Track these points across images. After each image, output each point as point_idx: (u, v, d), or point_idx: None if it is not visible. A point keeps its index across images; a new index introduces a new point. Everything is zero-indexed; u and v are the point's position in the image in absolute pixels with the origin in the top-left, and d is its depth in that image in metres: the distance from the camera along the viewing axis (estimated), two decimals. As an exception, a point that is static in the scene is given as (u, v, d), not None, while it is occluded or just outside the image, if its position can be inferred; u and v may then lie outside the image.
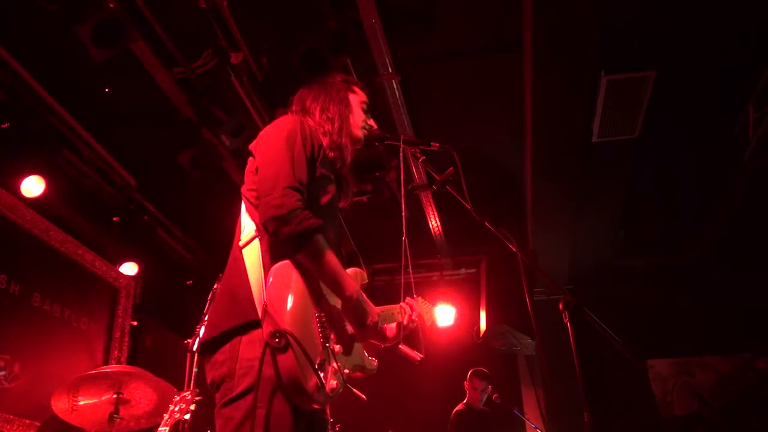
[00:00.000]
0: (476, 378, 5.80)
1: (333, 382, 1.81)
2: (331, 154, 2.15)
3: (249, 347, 1.78)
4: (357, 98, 2.36)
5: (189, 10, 3.98)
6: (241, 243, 1.96)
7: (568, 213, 6.15)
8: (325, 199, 2.08)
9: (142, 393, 3.59)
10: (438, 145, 2.33)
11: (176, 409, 3.29)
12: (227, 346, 1.82)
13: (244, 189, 2.09)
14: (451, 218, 6.51)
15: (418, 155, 2.40)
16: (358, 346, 2.07)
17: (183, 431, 3.52)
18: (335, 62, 4.13)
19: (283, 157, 1.94)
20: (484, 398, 5.75)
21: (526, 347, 6.44)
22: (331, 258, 1.90)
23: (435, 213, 6.39)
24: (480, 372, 5.83)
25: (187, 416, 3.36)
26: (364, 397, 1.97)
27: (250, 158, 2.12)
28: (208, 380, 1.87)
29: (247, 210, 2.03)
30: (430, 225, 6.59)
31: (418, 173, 5.62)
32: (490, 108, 5.18)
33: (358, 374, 2.07)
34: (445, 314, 7.06)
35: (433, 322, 2.46)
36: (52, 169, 4.87)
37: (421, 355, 2.38)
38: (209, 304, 3.67)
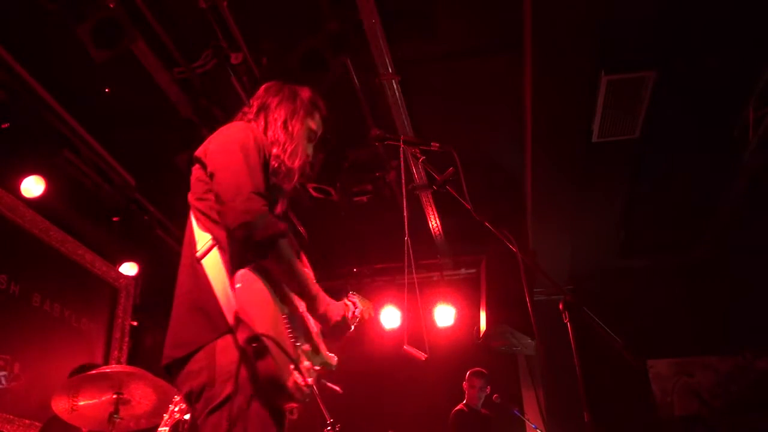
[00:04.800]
0: (474, 377, 5.82)
1: (309, 380, 1.84)
2: (275, 164, 2.11)
3: (225, 353, 1.77)
4: (313, 126, 2.30)
5: (189, 10, 3.98)
6: (198, 254, 1.92)
7: (568, 213, 6.15)
8: (278, 209, 2.09)
9: (142, 393, 3.58)
10: (438, 145, 2.33)
11: (176, 409, 3.29)
12: (201, 354, 1.80)
13: (192, 198, 2.04)
14: (451, 218, 6.51)
15: (418, 155, 2.40)
16: (320, 345, 2.10)
17: (183, 431, 3.52)
18: (335, 62, 4.13)
19: (240, 163, 1.90)
20: (483, 397, 5.76)
21: (526, 347, 6.44)
22: (296, 261, 1.94)
23: (435, 213, 6.39)
24: (478, 371, 5.86)
25: (187, 416, 3.36)
26: (340, 390, 2.01)
27: (197, 165, 2.07)
28: (185, 391, 1.84)
29: (198, 220, 1.98)
30: (430, 225, 6.59)
31: (418, 173, 5.62)
32: (490, 108, 5.18)
33: (321, 371, 2.09)
34: (445, 314, 7.06)
35: (371, 316, 2.47)
36: (52, 169, 4.87)
37: (426, 355, 2.40)
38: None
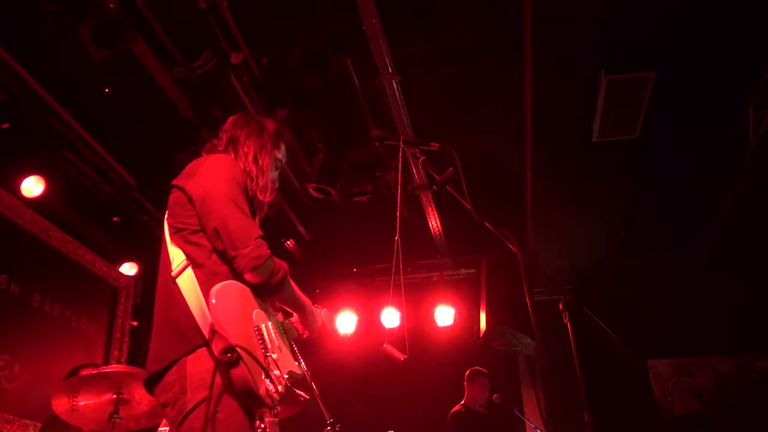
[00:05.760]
0: (481, 376, 5.79)
1: (279, 387, 1.95)
2: (249, 193, 2.25)
3: (196, 363, 1.89)
4: (279, 156, 2.44)
5: (189, 11, 3.98)
6: (173, 273, 2.03)
7: (568, 213, 6.15)
8: None
9: (142, 393, 3.58)
10: (438, 145, 2.35)
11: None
12: (174, 368, 1.92)
13: (171, 221, 2.14)
14: (451, 218, 6.51)
15: (418, 155, 2.41)
16: (289, 354, 2.20)
17: None
18: (335, 62, 4.13)
19: (240, 207, 2.06)
20: (486, 397, 5.76)
21: (526, 347, 6.44)
22: (291, 286, 2.20)
23: (435, 213, 6.39)
24: (482, 371, 5.83)
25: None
26: (306, 396, 2.15)
27: (175, 191, 2.17)
28: (161, 401, 1.95)
29: (174, 240, 2.09)
30: (430, 225, 6.59)
31: (418, 173, 5.62)
32: (490, 108, 5.18)
33: (290, 379, 2.17)
34: (444, 314, 7.06)
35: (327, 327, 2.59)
36: (52, 169, 4.87)
37: (405, 356, 2.46)
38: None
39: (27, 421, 4.33)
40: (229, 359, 1.81)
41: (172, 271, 2.03)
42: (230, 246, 1.98)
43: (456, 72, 4.83)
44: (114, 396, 3.50)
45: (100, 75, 4.49)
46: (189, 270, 2.00)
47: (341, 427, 4.00)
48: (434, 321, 7.07)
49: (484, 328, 6.16)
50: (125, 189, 5.61)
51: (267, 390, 1.89)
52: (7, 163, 4.62)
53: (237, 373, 1.83)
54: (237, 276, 2.00)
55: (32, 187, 4.69)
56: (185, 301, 1.95)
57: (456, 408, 5.78)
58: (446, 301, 7.10)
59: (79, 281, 5.27)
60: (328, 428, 3.90)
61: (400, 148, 2.37)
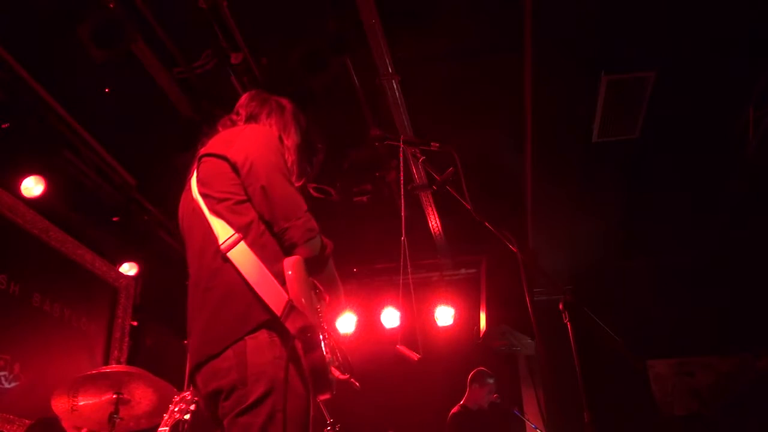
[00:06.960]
0: (491, 381, 5.73)
1: (338, 374, 1.88)
2: None
3: (257, 352, 1.73)
4: (297, 138, 2.30)
5: (189, 11, 3.98)
6: (223, 247, 1.86)
7: (568, 213, 6.15)
8: None
9: (142, 393, 3.59)
10: (438, 145, 2.34)
11: (176, 409, 3.29)
12: (230, 352, 1.75)
13: (207, 190, 1.99)
14: (451, 218, 6.51)
15: (418, 155, 2.41)
16: None
17: (183, 431, 3.52)
18: (335, 62, 4.13)
19: (288, 178, 1.98)
20: (489, 400, 5.74)
21: (526, 347, 6.45)
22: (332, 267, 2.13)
23: (435, 213, 6.39)
24: (491, 374, 5.79)
25: (187, 416, 3.37)
26: (357, 384, 2.04)
27: (212, 159, 2.03)
28: (210, 388, 1.78)
29: (215, 212, 1.93)
30: (430, 225, 6.59)
31: (418, 173, 5.62)
32: (490, 108, 5.18)
33: None
34: (444, 314, 7.06)
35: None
36: (52, 169, 4.87)
37: (419, 355, 2.44)
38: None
39: (27, 421, 4.32)
40: (308, 339, 1.68)
41: (220, 244, 1.86)
42: (282, 217, 1.88)
43: (456, 72, 4.83)
44: (114, 396, 3.51)
45: (100, 75, 4.49)
46: (242, 244, 1.84)
47: (341, 427, 4.00)
48: (434, 321, 7.07)
49: (484, 328, 6.17)
50: (125, 189, 5.61)
51: (333, 374, 1.80)
52: (7, 163, 4.62)
53: (315, 355, 1.70)
54: (284, 249, 1.88)
55: (32, 187, 4.69)
56: (243, 276, 1.80)
57: (455, 409, 5.76)
58: (446, 301, 7.10)
59: (79, 281, 5.27)
60: (328, 428, 3.90)
61: (401, 148, 2.38)
